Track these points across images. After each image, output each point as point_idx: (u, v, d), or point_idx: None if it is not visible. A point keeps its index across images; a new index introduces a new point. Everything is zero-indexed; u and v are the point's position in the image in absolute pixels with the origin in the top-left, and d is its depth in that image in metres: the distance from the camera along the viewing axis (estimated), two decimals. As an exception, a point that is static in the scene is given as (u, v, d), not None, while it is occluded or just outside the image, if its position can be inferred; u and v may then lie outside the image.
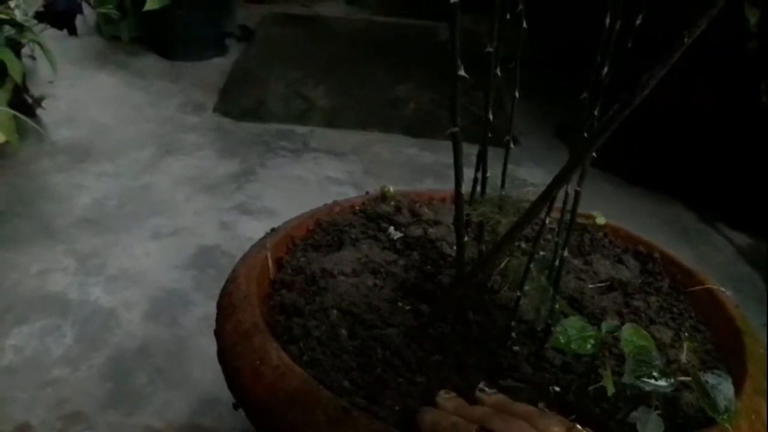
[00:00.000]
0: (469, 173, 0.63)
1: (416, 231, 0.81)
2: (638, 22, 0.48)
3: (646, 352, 0.48)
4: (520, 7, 0.55)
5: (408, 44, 2.62)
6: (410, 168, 1.83)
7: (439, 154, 1.86)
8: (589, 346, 0.50)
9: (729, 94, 1.62)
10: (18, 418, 0.96)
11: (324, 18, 2.82)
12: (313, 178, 1.72)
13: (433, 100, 2.21)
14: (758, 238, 1.68)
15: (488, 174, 0.65)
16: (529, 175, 1.70)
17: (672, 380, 0.48)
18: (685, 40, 0.46)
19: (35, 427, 0.95)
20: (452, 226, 0.82)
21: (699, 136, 1.70)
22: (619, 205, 1.69)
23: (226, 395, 0.61)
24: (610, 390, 0.49)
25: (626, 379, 0.47)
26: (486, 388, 0.49)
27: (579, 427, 0.43)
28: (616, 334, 0.50)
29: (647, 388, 0.47)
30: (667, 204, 1.79)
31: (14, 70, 1.55)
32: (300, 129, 1.99)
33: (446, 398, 0.50)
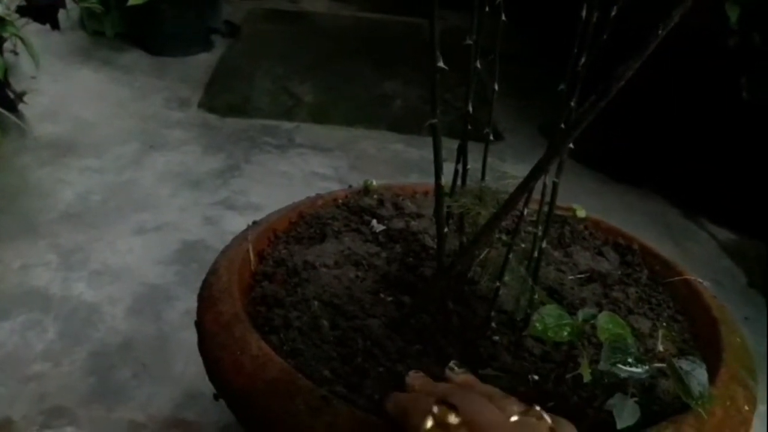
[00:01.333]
0: (452, 168, 0.64)
1: (399, 224, 0.81)
2: (613, 13, 0.48)
3: (622, 340, 0.49)
4: (498, 0, 0.56)
5: (395, 41, 2.63)
6: (396, 164, 1.84)
7: (425, 150, 1.86)
8: (565, 333, 0.51)
9: (711, 90, 1.64)
10: (0, 413, 0.96)
11: (310, 14, 2.82)
12: (299, 173, 1.72)
13: (420, 96, 2.21)
14: (741, 234, 1.70)
15: (470, 167, 0.66)
16: (513, 172, 1.72)
17: (647, 367, 0.48)
18: (660, 32, 0.47)
19: (17, 422, 0.95)
20: (434, 219, 0.83)
21: (682, 133, 1.71)
22: (603, 201, 1.70)
23: (209, 389, 0.61)
24: (587, 377, 0.49)
25: (602, 366, 0.48)
26: (455, 367, 0.50)
27: (538, 408, 0.43)
28: (592, 322, 0.51)
29: (623, 375, 0.48)
30: (650, 200, 1.81)
31: (-4, 65, 1.53)
32: (286, 125, 1.99)
33: (414, 377, 0.50)
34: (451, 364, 0.50)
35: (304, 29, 2.64)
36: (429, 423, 0.40)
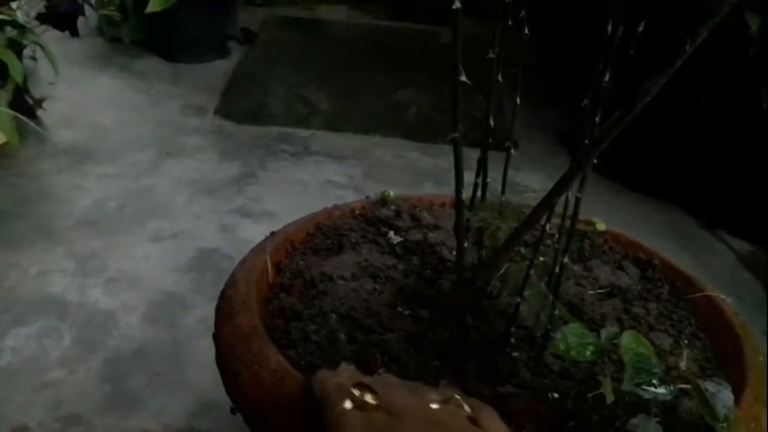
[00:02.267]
0: (468, 177, 0.63)
1: (416, 236, 0.81)
2: (640, 28, 0.48)
3: (646, 360, 0.48)
4: (523, 13, 0.55)
5: (410, 49, 2.63)
6: (411, 172, 1.83)
7: (440, 159, 1.86)
8: (588, 353, 0.50)
9: (730, 101, 1.62)
10: (15, 420, 0.96)
11: (326, 22, 2.83)
12: (314, 181, 1.72)
13: (434, 104, 2.21)
14: (759, 245, 1.68)
15: (488, 179, 0.65)
16: (529, 181, 1.72)
17: (671, 388, 0.47)
18: (687, 47, 0.46)
19: (32, 429, 0.95)
20: (452, 231, 0.82)
21: (699, 143, 1.70)
22: (619, 211, 1.69)
23: (223, 399, 0.61)
24: (610, 397, 0.48)
25: (626, 386, 0.47)
26: (383, 373, 0.51)
27: (458, 397, 0.43)
28: (615, 341, 0.50)
29: (647, 396, 0.47)
30: (667, 210, 1.79)
31: (15, 71, 1.55)
32: (301, 132, 1.99)
33: (345, 368, 0.50)
34: (380, 371, 0.51)
35: (320, 37, 2.65)
36: (348, 403, 0.41)
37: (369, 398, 0.42)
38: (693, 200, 1.79)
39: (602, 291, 0.74)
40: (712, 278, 1.48)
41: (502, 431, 0.43)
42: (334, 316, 0.65)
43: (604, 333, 0.51)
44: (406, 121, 2.14)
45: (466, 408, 0.43)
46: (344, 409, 0.41)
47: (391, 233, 0.82)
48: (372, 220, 0.84)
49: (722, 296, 0.72)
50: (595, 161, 0.53)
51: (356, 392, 0.42)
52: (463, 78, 0.51)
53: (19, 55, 1.68)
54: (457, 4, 0.48)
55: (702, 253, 1.64)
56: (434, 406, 0.42)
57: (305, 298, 0.68)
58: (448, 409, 0.42)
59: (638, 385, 0.47)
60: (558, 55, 2.17)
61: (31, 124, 1.61)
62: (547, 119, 2.13)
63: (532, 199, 0.64)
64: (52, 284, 1.24)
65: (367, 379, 0.46)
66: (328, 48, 2.55)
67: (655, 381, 0.47)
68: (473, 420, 0.43)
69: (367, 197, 0.90)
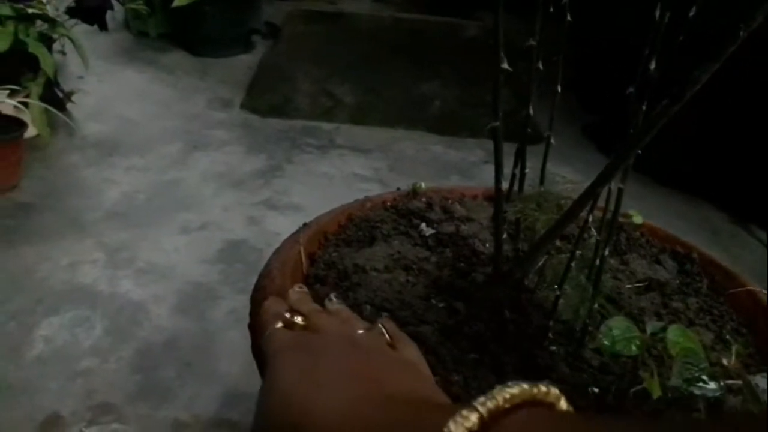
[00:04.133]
0: (491, 168, 0.62)
1: (448, 228, 0.80)
2: (691, 14, 0.46)
3: (694, 354, 0.47)
4: (565, 0, 0.54)
5: (434, 42, 2.61)
6: (435, 165, 1.82)
7: (464, 152, 1.85)
8: (634, 347, 0.49)
9: (762, 96, 1.58)
10: (48, 408, 0.97)
11: (350, 15, 2.81)
12: (339, 174, 1.72)
13: (459, 98, 2.19)
14: (792, 241, 1.64)
15: (526, 170, 0.64)
16: (557, 173, 1.69)
17: (720, 383, 0.46)
18: (741, 33, 0.45)
19: (65, 417, 0.96)
20: (485, 223, 0.81)
21: (729, 137, 1.66)
22: (648, 204, 1.66)
23: (252, 389, 0.60)
24: (656, 393, 0.47)
25: (674, 381, 0.46)
26: (333, 298, 0.52)
27: (381, 326, 0.46)
28: (661, 335, 0.49)
29: (696, 392, 0.46)
30: (696, 204, 1.77)
31: (47, 65, 1.57)
32: (326, 126, 1.99)
33: (295, 290, 0.53)
34: (331, 295, 0.53)
35: (344, 30, 2.64)
36: (279, 324, 0.45)
37: (299, 320, 0.46)
38: (724, 194, 1.76)
39: (640, 285, 0.72)
40: (743, 273, 1.45)
41: (417, 358, 0.46)
42: (368, 307, 0.65)
43: (650, 327, 0.50)
44: (430, 114, 2.13)
45: (387, 336, 0.46)
46: (274, 329, 0.45)
47: (423, 225, 0.81)
48: (403, 211, 0.84)
49: (765, 291, 0.70)
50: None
51: (287, 315, 0.46)
52: (505, 65, 0.50)
53: (50, 49, 1.70)
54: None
55: (733, 247, 1.61)
56: (359, 332, 0.46)
57: (339, 289, 0.68)
58: (369, 333, 0.46)
59: (687, 380, 0.46)
60: (584, 49, 2.14)
61: (62, 116, 1.62)
62: (573, 112, 2.10)
63: (571, 191, 0.63)
64: (83, 275, 1.26)
65: (305, 307, 0.49)
66: (351, 41, 2.54)
67: (704, 376, 0.46)
68: (392, 346, 0.46)
69: (398, 189, 0.89)
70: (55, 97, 1.74)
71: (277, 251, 0.71)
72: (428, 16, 2.80)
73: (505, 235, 0.66)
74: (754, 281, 0.79)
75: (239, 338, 0.65)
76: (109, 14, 1.92)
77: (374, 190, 1.64)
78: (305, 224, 0.78)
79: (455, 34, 2.63)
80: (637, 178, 1.79)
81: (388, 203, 0.86)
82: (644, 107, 0.50)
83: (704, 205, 1.77)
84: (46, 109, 1.57)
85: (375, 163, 1.80)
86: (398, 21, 2.78)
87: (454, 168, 1.82)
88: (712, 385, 0.45)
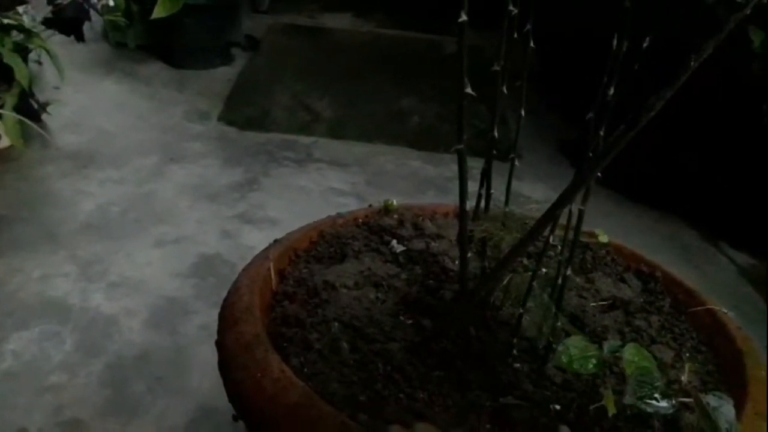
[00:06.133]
0: (472, 188, 0.63)
1: (419, 245, 0.81)
2: (645, 44, 0.48)
3: (648, 373, 0.48)
4: (528, 26, 0.56)
5: (413, 58, 2.64)
6: (413, 180, 1.84)
7: (442, 167, 1.86)
8: (591, 365, 0.50)
9: (733, 115, 1.62)
10: (16, 424, 0.96)
11: (330, 30, 2.84)
12: (317, 188, 1.72)
13: (438, 113, 2.22)
14: (760, 258, 1.67)
15: (492, 190, 0.66)
16: (531, 191, 1.72)
17: (673, 402, 0.48)
18: (692, 63, 0.46)
19: (33, 434, 0.95)
20: (455, 241, 0.82)
21: (702, 155, 1.70)
22: (620, 222, 1.69)
23: (224, 405, 0.61)
24: (612, 410, 0.49)
25: (628, 400, 0.47)
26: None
27: None
28: (617, 353, 0.50)
29: (649, 410, 0.47)
30: (668, 222, 1.79)
31: (21, 75, 1.56)
32: (304, 140, 2.00)
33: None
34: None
35: (324, 45, 2.66)
36: None
37: None
38: (695, 213, 1.79)
39: (604, 303, 0.74)
40: (713, 291, 1.47)
41: None
42: (336, 324, 0.65)
43: (606, 346, 0.51)
44: (409, 129, 2.15)
45: None
46: None
47: (394, 242, 0.82)
48: (375, 228, 0.85)
49: (724, 309, 0.72)
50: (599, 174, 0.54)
51: None
52: (468, 90, 0.52)
53: (25, 60, 1.68)
54: (464, 17, 0.49)
55: (704, 265, 1.64)
56: None
57: (308, 306, 0.69)
58: None
59: (640, 398, 0.47)
60: (561, 66, 2.18)
61: (36, 128, 1.61)
62: (550, 129, 2.13)
63: (536, 211, 0.64)
64: (55, 288, 1.24)
65: None
66: (331, 56, 2.56)
67: (657, 395, 0.47)
68: None
69: (370, 206, 0.90)
70: (30, 108, 1.73)
71: (246, 268, 0.72)
72: (408, 32, 2.83)
73: (473, 254, 0.67)
74: (722, 298, 0.81)
75: (211, 353, 0.65)
76: (87, 25, 1.91)
77: (351, 204, 1.65)
78: (276, 241, 0.79)
79: (435, 50, 2.66)
80: (610, 195, 1.82)
81: (360, 220, 0.87)
82: (602, 132, 0.52)
83: (676, 223, 1.80)
84: (21, 120, 1.56)
85: (352, 177, 1.81)
86: (378, 37, 2.81)
87: (431, 183, 1.83)
88: (664, 403, 0.46)
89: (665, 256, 1.34)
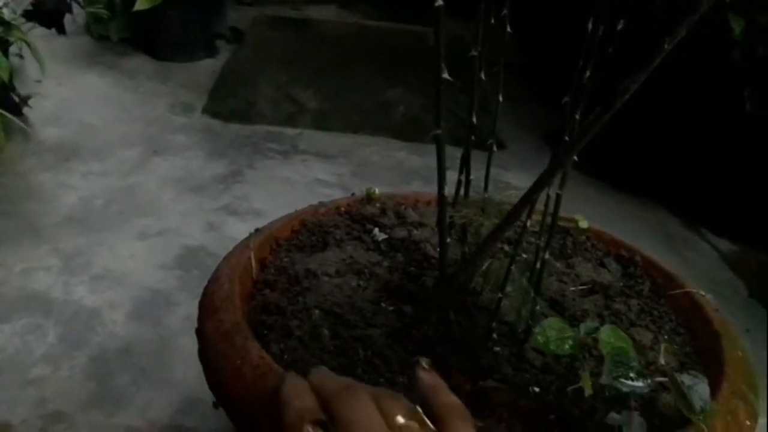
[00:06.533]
0: (453, 176, 0.64)
1: (401, 233, 0.81)
2: (619, 27, 0.48)
3: (624, 353, 0.49)
4: (505, 11, 0.56)
5: (399, 49, 2.63)
6: (399, 171, 1.84)
7: (428, 158, 1.86)
8: (567, 346, 0.51)
9: (714, 102, 1.64)
10: (0, 417, 0.96)
11: (315, 21, 2.82)
12: (302, 180, 1.72)
13: (423, 104, 2.22)
14: (741, 245, 1.70)
15: (473, 177, 0.66)
16: (516, 180, 1.73)
17: (649, 381, 0.48)
18: (666, 46, 0.47)
19: (16, 427, 0.95)
20: (436, 228, 0.83)
21: (684, 143, 1.72)
22: (604, 209, 1.70)
23: (208, 395, 0.61)
24: (588, 391, 0.49)
25: (604, 380, 0.48)
26: (425, 365, 0.47)
27: (423, 416, 0.42)
28: (594, 335, 0.51)
29: (625, 389, 0.47)
30: (651, 209, 1.81)
31: (1, 69, 1.54)
32: (289, 131, 1.99)
33: (315, 375, 0.47)
34: (423, 363, 0.48)
35: (309, 36, 2.65)
36: (309, 428, 0.41)
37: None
38: (677, 199, 1.81)
39: (584, 287, 0.75)
40: (695, 277, 1.49)
41: None
42: (317, 311, 0.65)
43: (583, 327, 0.52)
44: (394, 120, 2.15)
45: (430, 425, 0.42)
46: None
47: (376, 230, 0.82)
48: (357, 217, 0.85)
49: (702, 292, 0.73)
50: (578, 159, 0.54)
51: (310, 429, 0.41)
52: (446, 75, 0.52)
53: (5, 53, 1.66)
54: (440, 2, 0.49)
55: (685, 251, 1.65)
56: (400, 420, 0.41)
57: (289, 294, 0.69)
58: (411, 427, 0.41)
59: (616, 378, 0.47)
60: (545, 55, 2.18)
61: (17, 121, 1.60)
62: (535, 119, 2.14)
63: (515, 197, 0.65)
64: (37, 282, 1.24)
65: (329, 392, 0.44)
66: (316, 47, 2.55)
67: (632, 374, 0.48)
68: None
69: (353, 194, 0.90)
70: (11, 102, 1.71)
71: (227, 257, 0.72)
72: (393, 23, 2.83)
73: (453, 240, 0.67)
74: (704, 284, 0.82)
75: (195, 345, 0.65)
76: (69, 18, 1.90)
77: (337, 195, 1.63)
78: (257, 230, 0.78)
79: (420, 42, 2.66)
80: (593, 183, 1.84)
81: (342, 209, 0.87)
82: (578, 116, 0.52)
83: (659, 210, 1.82)
84: (1, 114, 1.54)
85: (338, 168, 1.81)
86: (364, 28, 2.80)
87: (416, 173, 1.84)
88: (640, 382, 0.47)
89: (647, 243, 1.35)
